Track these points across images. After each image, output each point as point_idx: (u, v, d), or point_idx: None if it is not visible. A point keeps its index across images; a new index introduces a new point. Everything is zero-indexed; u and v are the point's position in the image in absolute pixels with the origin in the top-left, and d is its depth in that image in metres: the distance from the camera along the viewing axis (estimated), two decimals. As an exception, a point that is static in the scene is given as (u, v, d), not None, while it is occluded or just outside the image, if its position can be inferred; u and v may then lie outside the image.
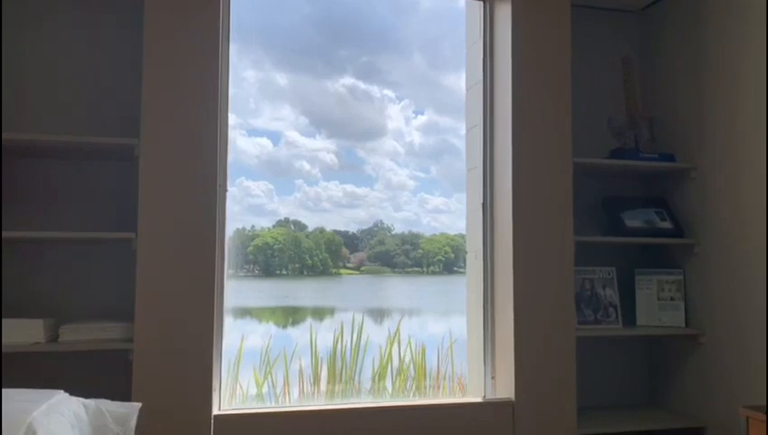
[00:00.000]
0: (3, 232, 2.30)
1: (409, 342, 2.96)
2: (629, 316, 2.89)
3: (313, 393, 2.83)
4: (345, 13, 3.15)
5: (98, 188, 2.53)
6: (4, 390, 1.57)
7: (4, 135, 2.26)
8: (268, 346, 2.83)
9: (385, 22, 3.20)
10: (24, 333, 2.20)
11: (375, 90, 3.18)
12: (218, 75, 2.41)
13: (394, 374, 2.92)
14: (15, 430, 1.32)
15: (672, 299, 2.84)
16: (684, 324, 2.81)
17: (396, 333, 2.95)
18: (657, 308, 2.86)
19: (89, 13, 2.56)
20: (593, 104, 2.93)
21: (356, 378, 2.89)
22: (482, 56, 2.82)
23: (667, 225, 2.86)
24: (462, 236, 3.04)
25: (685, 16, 2.90)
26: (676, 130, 2.92)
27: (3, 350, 2.18)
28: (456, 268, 3.30)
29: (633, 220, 2.86)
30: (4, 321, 2.21)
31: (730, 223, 2.62)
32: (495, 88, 2.78)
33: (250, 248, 3.10)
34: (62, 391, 1.60)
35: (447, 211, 3.19)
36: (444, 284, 3.42)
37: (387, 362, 2.92)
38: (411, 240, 3.31)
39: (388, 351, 2.93)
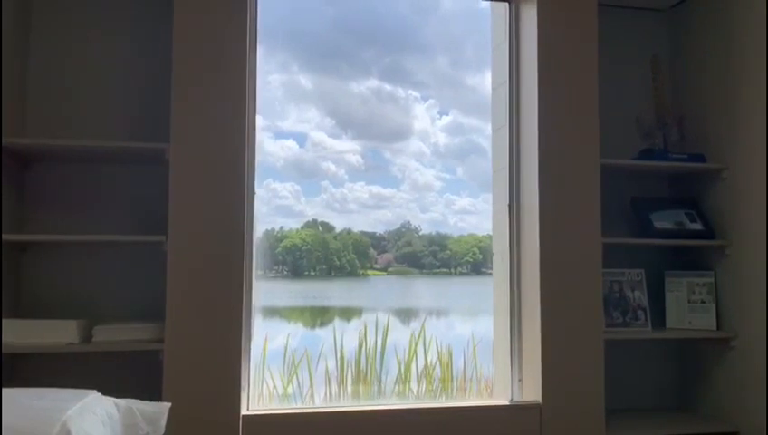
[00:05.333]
0: (38, 236, 2.37)
1: (432, 342, 2.95)
2: (659, 319, 2.85)
3: (340, 394, 2.84)
4: (368, 15, 3.16)
5: (129, 191, 2.57)
6: (39, 389, 1.62)
7: (39, 141, 2.33)
8: (287, 346, 2.84)
9: (408, 22, 3.21)
10: (59, 333, 2.26)
11: (400, 90, 3.19)
12: (246, 79, 2.44)
13: (419, 376, 2.93)
14: (50, 429, 1.35)
15: (703, 302, 2.79)
16: (715, 327, 2.76)
17: (420, 334, 2.95)
18: (688, 311, 2.82)
19: (118, 19, 2.61)
20: (621, 104, 2.90)
21: (382, 379, 2.90)
22: (507, 57, 2.81)
23: (697, 226, 2.82)
24: (490, 237, 3.03)
25: (713, 14, 2.85)
26: (706, 129, 2.88)
27: (38, 350, 2.26)
28: (484, 269, 3.29)
29: (662, 221, 2.82)
30: (39, 322, 2.28)
31: (762, 224, 2.57)
32: (521, 89, 2.77)
33: (278, 249, 3.12)
34: (95, 391, 1.64)
35: (475, 212, 3.18)
36: (472, 285, 3.41)
37: (411, 364, 2.92)
38: (439, 241, 3.31)
39: (412, 352, 2.94)
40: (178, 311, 2.31)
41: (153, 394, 2.10)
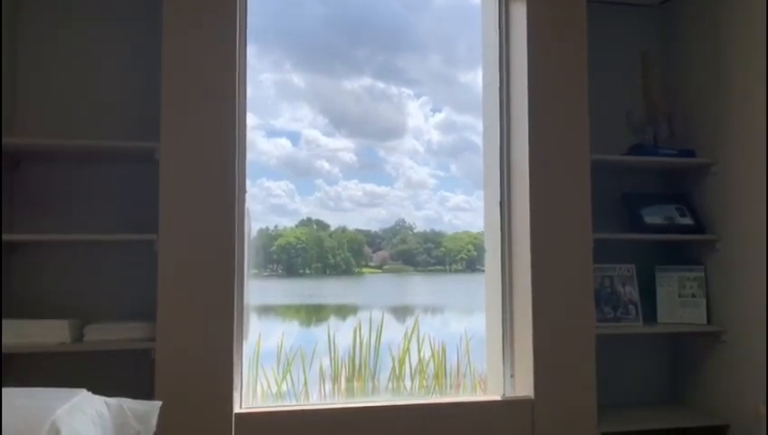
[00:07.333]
0: (28, 235, 2.37)
1: (424, 339, 2.97)
2: (650, 314, 2.86)
3: (334, 391, 2.85)
4: (361, 12, 3.17)
5: (120, 190, 2.58)
6: (29, 389, 1.62)
7: (27, 141, 2.33)
8: (282, 344, 2.85)
9: (400, 20, 3.21)
10: (50, 333, 2.26)
11: (393, 88, 3.19)
12: (236, 77, 2.44)
13: (413, 372, 2.93)
14: (39, 428, 1.36)
15: (693, 296, 2.81)
16: (705, 321, 2.77)
17: (414, 331, 2.96)
18: (679, 305, 2.83)
19: (108, 17, 2.61)
20: (612, 100, 2.90)
21: (377, 376, 2.91)
22: (498, 54, 2.82)
23: (687, 221, 2.83)
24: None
25: (703, 9, 2.86)
26: (696, 125, 2.89)
27: (30, 350, 2.26)
28: (478, 266, 3.30)
29: (653, 217, 2.83)
30: (31, 322, 2.28)
31: (752, 218, 2.58)
32: (512, 86, 2.78)
33: (273, 248, 3.13)
34: (84, 390, 1.64)
35: (469, 209, 3.19)
36: (467, 282, 3.42)
37: (405, 361, 2.93)
38: (434, 238, 3.32)
39: (405, 348, 2.95)
40: (170, 310, 2.31)
41: (145, 393, 2.11)
